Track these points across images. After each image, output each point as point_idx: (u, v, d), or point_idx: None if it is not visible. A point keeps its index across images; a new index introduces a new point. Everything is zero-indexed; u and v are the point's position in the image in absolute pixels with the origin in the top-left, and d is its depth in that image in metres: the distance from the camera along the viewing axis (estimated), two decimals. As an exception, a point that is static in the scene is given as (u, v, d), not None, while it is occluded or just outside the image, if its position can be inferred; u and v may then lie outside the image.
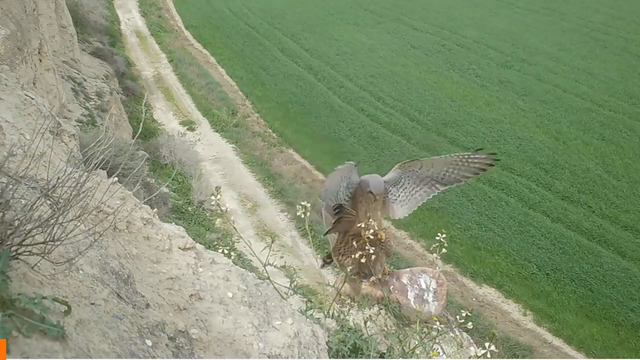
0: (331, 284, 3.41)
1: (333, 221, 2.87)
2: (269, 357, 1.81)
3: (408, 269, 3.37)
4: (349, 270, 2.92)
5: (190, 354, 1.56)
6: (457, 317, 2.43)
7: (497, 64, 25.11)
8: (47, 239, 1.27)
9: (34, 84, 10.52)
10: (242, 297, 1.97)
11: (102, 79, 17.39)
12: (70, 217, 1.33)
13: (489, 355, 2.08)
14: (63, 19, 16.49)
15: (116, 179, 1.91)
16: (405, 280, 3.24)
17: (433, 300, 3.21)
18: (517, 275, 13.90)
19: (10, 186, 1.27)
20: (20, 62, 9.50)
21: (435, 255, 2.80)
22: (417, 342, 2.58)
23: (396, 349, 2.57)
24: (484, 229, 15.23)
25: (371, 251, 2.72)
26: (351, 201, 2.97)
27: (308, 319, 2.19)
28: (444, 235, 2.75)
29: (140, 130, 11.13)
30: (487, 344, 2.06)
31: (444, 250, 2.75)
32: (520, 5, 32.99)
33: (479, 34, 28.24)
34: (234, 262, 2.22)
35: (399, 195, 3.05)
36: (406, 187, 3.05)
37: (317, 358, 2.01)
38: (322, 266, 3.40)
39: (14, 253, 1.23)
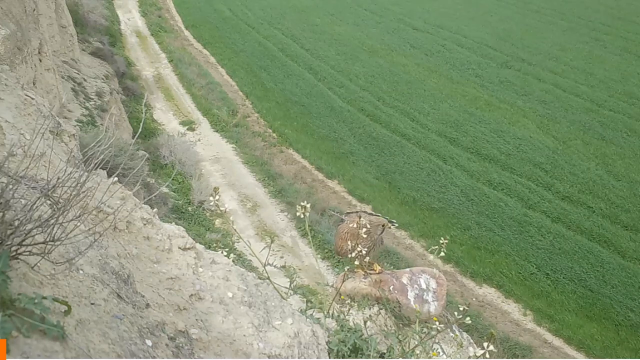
0: (331, 284, 3.41)
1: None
2: (269, 357, 1.81)
3: (408, 269, 3.38)
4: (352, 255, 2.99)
5: (190, 354, 1.56)
6: (455, 313, 2.44)
7: (497, 64, 25.12)
8: (47, 239, 1.27)
9: (34, 84, 10.52)
10: (242, 297, 1.97)
11: (102, 79, 17.39)
12: (70, 217, 1.33)
13: (487, 356, 2.08)
14: (63, 19, 16.49)
15: (116, 179, 1.91)
16: (405, 280, 3.25)
17: (433, 300, 3.22)
18: (517, 275, 13.90)
19: (10, 186, 1.27)
20: (20, 62, 9.50)
21: (432, 257, 2.82)
22: (417, 342, 2.58)
23: (396, 349, 2.58)
24: (484, 229, 15.23)
25: (363, 252, 2.82)
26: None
27: (308, 319, 2.19)
28: (447, 241, 2.77)
29: (140, 130, 11.12)
30: (485, 344, 2.06)
31: (442, 253, 2.77)
32: (520, 5, 33.00)
33: (479, 34, 28.25)
34: (234, 262, 2.23)
35: None
36: None
37: (317, 358, 2.01)
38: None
39: (14, 253, 1.23)
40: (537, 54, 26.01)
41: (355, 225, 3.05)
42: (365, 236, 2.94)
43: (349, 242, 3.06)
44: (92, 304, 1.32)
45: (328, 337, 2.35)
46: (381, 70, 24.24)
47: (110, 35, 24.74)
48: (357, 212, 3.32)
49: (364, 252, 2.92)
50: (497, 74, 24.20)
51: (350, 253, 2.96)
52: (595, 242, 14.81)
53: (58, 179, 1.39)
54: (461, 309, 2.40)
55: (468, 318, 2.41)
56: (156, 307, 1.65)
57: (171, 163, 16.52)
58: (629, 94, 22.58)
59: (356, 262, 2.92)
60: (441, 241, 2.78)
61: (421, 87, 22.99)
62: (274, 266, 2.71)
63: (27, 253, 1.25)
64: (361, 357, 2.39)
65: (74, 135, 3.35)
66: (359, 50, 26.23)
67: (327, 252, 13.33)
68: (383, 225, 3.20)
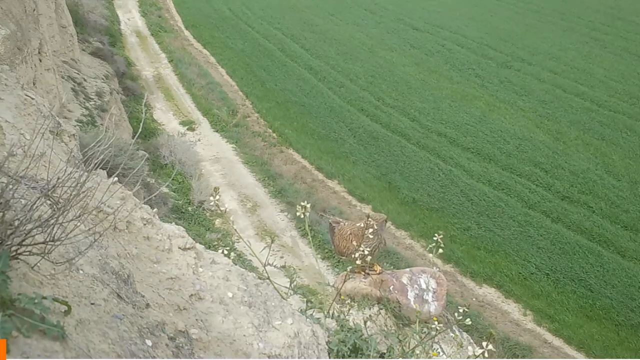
0: (331, 284, 3.42)
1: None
2: (269, 357, 1.81)
3: (408, 269, 3.38)
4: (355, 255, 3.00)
5: (190, 354, 1.56)
6: (456, 314, 2.44)
7: (497, 64, 25.11)
8: (47, 239, 1.27)
9: (34, 84, 10.52)
10: (242, 297, 1.97)
11: (102, 79, 17.39)
12: (70, 217, 1.33)
13: (486, 355, 2.08)
14: (63, 19, 16.49)
15: (116, 179, 1.91)
16: (405, 280, 3.25)
17: (433, 300, 3.22)
18: (517, 275, 13.90)
19: (10, 186, 1.27)
20: (20, 62, 9.50)
21: (431, 255, 2.82)
22: (417, 342, 2.58)
23: (396, 349, 2.58)
24: (484, 229, 15.23)
25: (366, 252, 2.84)
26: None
27: (308, 319, 2.19)
28: (441, 236, 2.77)
29: (140, 130, 11.14)
30: (484, 344, 2.06)
31: (440, 250, 2.77)
32: (520, 5, 33.01)
33: (479, 34, 28.25)
34: (234, 262, 2.23)
35: None
36: None
37: (317, 358, 2.01)
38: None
39: (14, 253, 1.23)
40: (537, 54, 26.01)
41: (360, 225, 3.06)
42: (371, 237, 2.95)
43: (354, 243, 3.07)
44: (92, 304, 1.32)
45: (328, 337, 2.35)
46: (381, 70, 24.23)
47: (110, 35, 24.74)
48: (332, 217, 3.48)
49: (366, 251, 2.94)
50: (497, 74, 24.20)
51: (355, 253, 2.97)
52: (595, 242, 14.81)
53: (58, 179, 1.39)
54: (461, 310, 2.41)
55: (468, 319, 2.41)
56: (156, 307, 1.65)
57: (171, 163, 16.52)
58: (629, 94, 22.58)
59: (358, 262, 2.93)
60: (435, 237, 2.78)
61: (421, 87, 22.98)
62: (274, 266, 2.71)
63: (27, 253, 1.25)
64: (361, 357, 2.39)
65: (74, 135, 3.36)
66: (359, 50, 26.23)
67: (327, 252, 13.33)
68: (385, 221, 3.22)
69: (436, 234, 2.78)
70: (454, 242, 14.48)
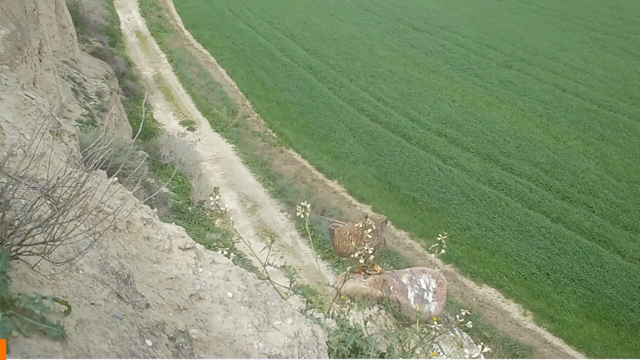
0: (331, 284, 3.42)
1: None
2: (269, 357, 1.80)
3: (408, 269, 3.38)
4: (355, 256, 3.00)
5: (190, 354, 1.56)
6: (457, 316, 2.44)
7: (497, 64, 25.11)
8: (47, 239, 1.27)
9: (34, 84, 10.52)
10: (242, 297, 1.97)
11: (102, 79, 17.38)
12: (70, 217, 1.33)
13: (483, 358, 2.09)
14: (63, 19, 16.49)
15: (116, 179, 1.91)
16: (405, 280, 3.25)
17: (433, 300, 3.22)
18: (517, 275, 13.90)
19: (10, 186, 1.27)
20: (20, 62, 9.50)
21: (434, 255, 2.82)
22: (417, 342, 2.58)
23: (396, 349, 2.58)
24: (484, 229, 15.22)
25: (370, 251, 2.83)
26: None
27: (308, 319, 2.19)
28: (445, 237, 2.76)
29: (140, 130, 11.16)
30: (479, 346, 2.06)
31: (442, 251, 2.76)
32: (520, 5, 33.02)
33: (479, 34, 28.25)
34: (234, 262, 2.22)
35: None
36: None
37: (317, 358, 2.01)
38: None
39: (14, 253, 1.23)
40: (537, 54, 26.01)
41: (360, 226, 3.07)
42: (370, 237, 2.96)
43: (353, 243, 3.08)
44: (92, 304, 1.32)
45: (328, 337, 2.35)
46: (381, 70, 24.23)
47: (110, 35, 24.73)
48: (333, 220, 3.50)
49: (370, 250, 2.94)
50: (497, 74, 24.20)
51: (355, 252, 2.97)
52: (595, 242, 14.80)
53: (58, 179, 1.39)
54: (463, 313, 2.41)
55: (470, 322, 2.41)
56: (156, 307, 1.65)
57: (171, 163, 16.52)
58: (629, 94, 22.58)
59: (361, 261, 2.93)
60: (439, 237, 2.77)
61: (421, 87, 22.98)
62: (274, 266, 2.71)
63: (27, 253, 1.25)
64: (361, 357, 2.39)
65: (74, 135, 3.36)
66: (359, 50, 26.22)
67: (327, 252, 13.33)
68: (386, 221, 3.22)
69: (440, 235, 2.78)
70: (454, 242, 14.47)
